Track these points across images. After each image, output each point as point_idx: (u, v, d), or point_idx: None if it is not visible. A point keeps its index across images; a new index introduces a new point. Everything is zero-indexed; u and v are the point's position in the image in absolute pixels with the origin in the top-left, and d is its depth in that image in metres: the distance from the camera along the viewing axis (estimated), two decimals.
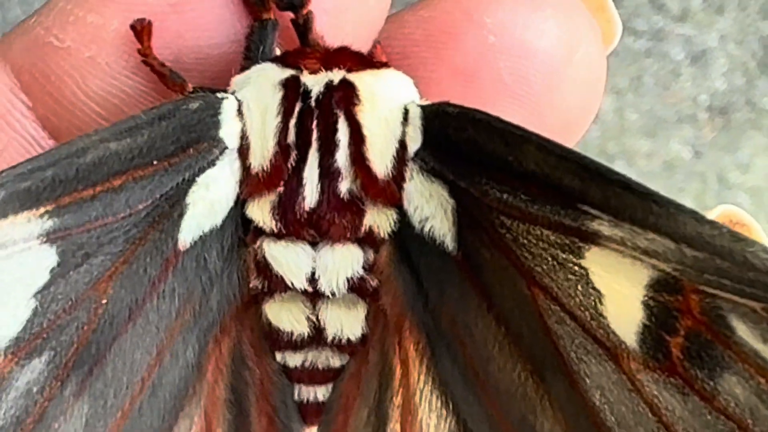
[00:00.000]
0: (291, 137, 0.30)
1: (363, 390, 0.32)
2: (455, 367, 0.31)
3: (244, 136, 0.31)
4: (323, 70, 0.31)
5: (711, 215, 0.33)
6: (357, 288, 0.31)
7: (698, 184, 0.82)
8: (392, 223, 0.31)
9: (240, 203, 0.31)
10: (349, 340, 0.32)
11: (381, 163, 0.31)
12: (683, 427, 0.28)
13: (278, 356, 0.32)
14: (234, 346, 0.32)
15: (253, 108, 0.31)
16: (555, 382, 0.30)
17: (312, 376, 0.32)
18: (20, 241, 0.28)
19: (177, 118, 0.30)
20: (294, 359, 0.32)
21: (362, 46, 0.33)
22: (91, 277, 0.29)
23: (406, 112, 0.31)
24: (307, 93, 0.31)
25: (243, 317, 0.32)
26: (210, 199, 0.31)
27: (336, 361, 0.32)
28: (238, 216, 0.31)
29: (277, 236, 0.31)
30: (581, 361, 0.29)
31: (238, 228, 0.31)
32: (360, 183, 0.31)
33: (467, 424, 0.32)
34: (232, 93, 0.31)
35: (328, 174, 0.31)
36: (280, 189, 0.31)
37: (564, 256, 0.29)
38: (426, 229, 0.31)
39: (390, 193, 0.31)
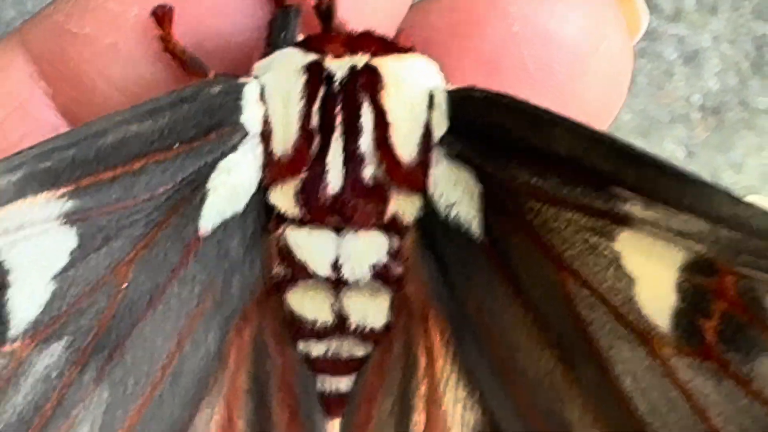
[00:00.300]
0: (314, 122, 0.30)
1: (387, 380, 0.32)
2: (481, 355, 0.31)
3: (266, 121, 0.30)
4: (347, 55, 0.30)
5: None
6: (381, 275, 0.31)
7: None
8: (417, 210, 0.30)
9: (262, 190, 0.31)
10: (372, 328, 0.31)
11: (406, 148, 0.30)
12: (717, 412, 0.27)
13: (300, 346, 0.32)
14: (256, 335, 0.31)
15: (275, 93, 0.30)
16: (584, 369, 0.29)
17: (335, 366, 0.32)
18: (39, 222, 0.28)
19: (198, 101, 0.30)
20: (317, 349, 0.31)
21: (385, 33, 0.33)
22: (111, 260, 0.29)
23: (431, 97, 0.30)
24: (330, 78, 0.30)
25: (265, 306, 0.31)
26: (232, 184, 0.30)
27: (359, 351, 0.32)
28: (260, 202, 0.31)
29: (300, 223, 0.30)
30: (612, 348, 0.28)
31: (260, 215, 0.31)
32: (384, 169, 0.30)
33: (493, 413, 0.31)
34: (255, 78, 0.31)
35: (352, 159, 0.30)
36: (303, 175, 0.30)
37: (595, 239, 0.28)
38: (452, 215, 0.30)
39: (415, 178, 0.30)
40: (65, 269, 0.28)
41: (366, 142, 0.30)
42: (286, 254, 0.30)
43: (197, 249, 0.30)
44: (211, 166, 0.30)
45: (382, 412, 0.32)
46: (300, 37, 0.32)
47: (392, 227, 0.30)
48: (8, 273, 0.27)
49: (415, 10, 0.35)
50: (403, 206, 0.30)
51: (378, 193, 0.30)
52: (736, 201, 0.26)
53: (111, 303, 0.29)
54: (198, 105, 0.29)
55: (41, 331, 0.28)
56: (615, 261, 0.28)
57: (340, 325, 0.31)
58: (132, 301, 0.29)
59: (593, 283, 0.28)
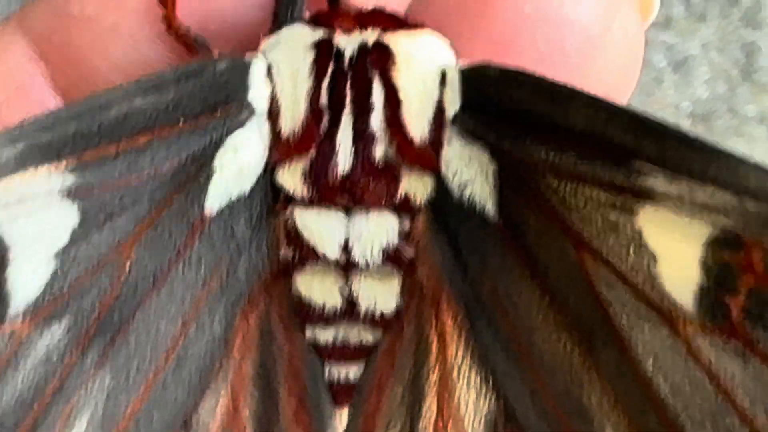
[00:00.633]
0: (323, 100, 0.29)
1: (397, 367, 0.31)
2: (496, 340, 0.30)
3: (273, 99, 0.29)
4: (357, 31, 0.30)
5: None
6: (392, 258, 0.30)
7: None
8: (429, 190, 0.30)
9: (269, 170, 0.30)
10: (383, 313, 0.30)
11: (418, 126, 0.29)
12: (743, 392, 0.27)
13: (308, 332, 0.31)
14: (262, 321, 0.30)
15: (283, 70, 0.29)
16: (603, 351, 0.28)
17: (343, 353, 0.31)
18: (40, 196, 0.27)
19: (204, 77, 0.29)
20: (325, 335, 0.30)
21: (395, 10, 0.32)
22: (114, 239, 0.28)
23: (443, 74, 0.30)
24: (340, 54, 0.29)
25: (272, 290, 0.30)
26: (238, 163, 0.29)
27: (369, 337, 0.31)
28: (267, 183, 0.30)
29: (309, 203, 0.29)
30: (633, 328, 0.28)
31: (267, 196, 0.30)
32: (395, 147, 0.29)
33: (508, 399, 0.30)
34: (262, 55, 0.30)
35: (363, 138, 0.29)
36: (312, 154, 0.29)
37: (615, 216, 0.27)
38: (465, 195, 0.29)
39: (427, 157, 0.29)
40: (67, 247, 0.27)
41: (377, 120, 0.29)
42: (294, 236, 0.30)
43: (203, 230, 0.29)
44: (217, 145, 0.29)
45: (392, 401, 0.31)
46: (307, 15, 0.31)
47: (403, 208, 0.29)
48: (8, 249, 0.27)
49: None
50: (415, 186, 0.29)
51: (389, 173, 0.29)
52: (765, 172, 0.25)
53: (114, 284, 0.28)
54: (204, 81, 0.29)
55: (42, 311, 0.27)
56: (637, 238, 0.27)
57: (350, 310, 0.30)
58: (135, 283, 0.28)
59: (614, 261, 0.27)
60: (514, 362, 0.30)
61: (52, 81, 0.33)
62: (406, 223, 0.30)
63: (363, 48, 0.29)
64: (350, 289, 0.30)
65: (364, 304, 0.30)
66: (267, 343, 0.31)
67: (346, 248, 0.30)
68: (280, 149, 0.30)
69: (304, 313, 0.30)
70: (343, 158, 0.29)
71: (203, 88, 0.29)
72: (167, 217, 0.29)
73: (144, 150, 0.28)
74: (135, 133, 0.28)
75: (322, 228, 0.30)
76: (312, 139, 0.29)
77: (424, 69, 0.29)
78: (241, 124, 0.29)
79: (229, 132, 0.29)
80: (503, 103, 0.29)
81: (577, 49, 0.33)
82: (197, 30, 0.32)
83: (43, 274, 0.27)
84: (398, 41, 0.30)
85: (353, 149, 0.29)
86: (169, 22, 0.32)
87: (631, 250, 0.27)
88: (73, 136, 0.27)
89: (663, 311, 0.27)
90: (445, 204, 0.30)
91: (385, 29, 0.30)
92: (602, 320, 0.28)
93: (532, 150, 0.28)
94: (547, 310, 0.29)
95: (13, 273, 0.27)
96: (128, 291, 0.28)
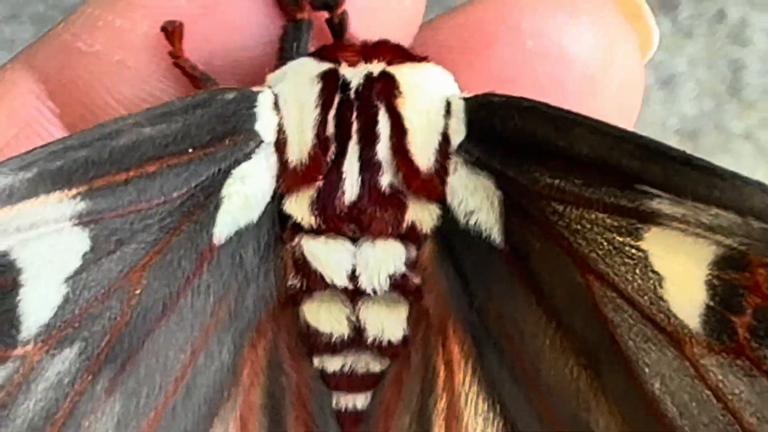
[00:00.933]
0: (330, 130, 0.30)
1: (404, 395, 0.31)
2: (503, 366, 0.30)
3: (280, 130, 0.30)
4: (362, 63, 0.30)
5: None
6: (399, 285, 0.30)
7: None
8: (435, 218, 0.30)
9: (277, 199, 0.30)
10: (390, 341, 0.30)
11: (423, 156, 0.30)
12: (751, 411, 0.27)
13: (316, 361, 0.31)
14: (270, 349, 0.31)
15: (290, 101, 0.30)
16: (610, 374, 0.28)
17: (351, 382, 0.31)
18: (52, 222, 0.27)
19: (212, 107, 0.29)
20: (332, 363, 0.31)
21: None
22: (124, 265, 0.28)
23: (448, 104, 0.30)
24: (346, 85, 0.30)
25: (280, 318, 0.30)
26: (245, 193, 0.30)
27: (376, 366, 0.31)
28: (275, 212, 0.30)
29: (316, 232, 0.30)
30: (640, 350, 0.28)
31: (275, 224, 0.30)
32: (402, 177, 0.30)
33: (515, 425, 0.30)
34: (268, 87, 0.30)
35: (369, 167, 0.30)
36: (319, 183, 0.30)
37: (621, 239, 0.28)
38: (471, 222, 0.30)
39: (433, 186, 0.30)
40: (78, 272, 0.27)
41: (383, 150, 0.29)
42: (302, 265, 0.30)
43: (211, 258, 0.29)
44: (225, 174, 0.29)
45: (399, 429, 0.31)
46: (311, 50, 0.32)
47: (410, 236, 0.30)
48: (20, 272, 0.27)
49: (426, 27, 0.35)
50: (421, 215, 0.30)
51: (395, 202, 0.29)
52: None
53: (124, 309, 0.28)
54: (212, 111, 0.29)
55: (54, 336, 0.27)
56: (643, 260, 0.27)
57: (357, 339, 0.30)
58: (145, 309, 0.29)
59: (620, 284, 0.28)
60: (521, 388, 0.30)
61: (59, 118, 0.34)
62: (413, 251, 0.30)
63: (369, 78, 0.30)
64: (357, 317, 0.30)
65: (371, 332, 0.30)
66: (275, 372, 0.31)
67: (353, 276, 0.30)
68: (288, 179, 0.30)
69: (312, 341, 0.30)
70: (350, 187, 0.30)
71: (211, 118, 0.29)
72: (176, 244, 0.29)
73: (153, 178, 0.28)
74: (144, 161, 0.28)
75: (329, 256, 0.30)
76: (319, 169, 0.30)
77: (429, 99, 0.30)
78: (249, 154, 0.30)
79: (237, 161, 0.29)
80: (508, 131, 0.29)
81: (578, 84, 0.34)
82: (203, 66, 0.33)
83: (54, 298, 0.27)
84: (403, 72, 0.30)
85: (360, 178, 0.30)
86: (176, 58, 0.32)
87: (637, 272, 0.28)
88: (83, 164, 0.27)
89: (669, 332, 0.27)
90: (451, 231, 0.30)
91: (390, 61, 0.30)
92: (609, 343, 0.28)
93: (537, 176, 0.29)
94: (554, 335, 0.29)
95: (25, 296, 0.27)
96: (138, 317, 0.28)
